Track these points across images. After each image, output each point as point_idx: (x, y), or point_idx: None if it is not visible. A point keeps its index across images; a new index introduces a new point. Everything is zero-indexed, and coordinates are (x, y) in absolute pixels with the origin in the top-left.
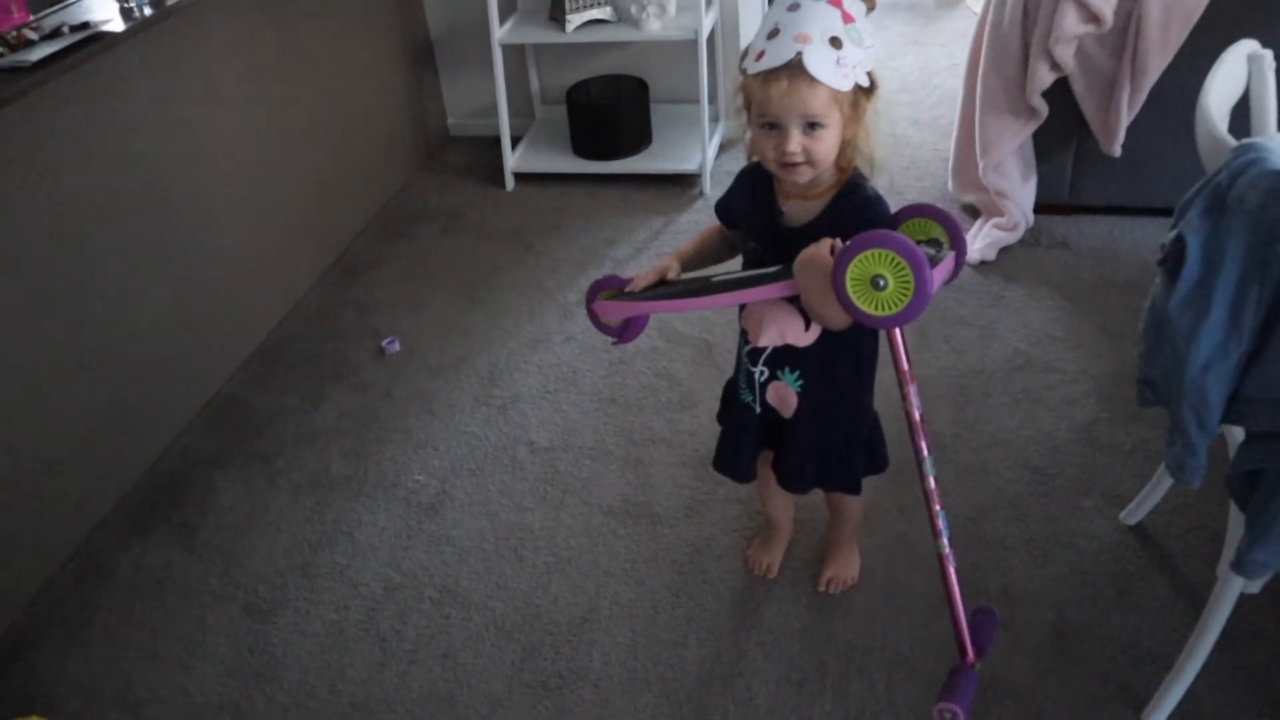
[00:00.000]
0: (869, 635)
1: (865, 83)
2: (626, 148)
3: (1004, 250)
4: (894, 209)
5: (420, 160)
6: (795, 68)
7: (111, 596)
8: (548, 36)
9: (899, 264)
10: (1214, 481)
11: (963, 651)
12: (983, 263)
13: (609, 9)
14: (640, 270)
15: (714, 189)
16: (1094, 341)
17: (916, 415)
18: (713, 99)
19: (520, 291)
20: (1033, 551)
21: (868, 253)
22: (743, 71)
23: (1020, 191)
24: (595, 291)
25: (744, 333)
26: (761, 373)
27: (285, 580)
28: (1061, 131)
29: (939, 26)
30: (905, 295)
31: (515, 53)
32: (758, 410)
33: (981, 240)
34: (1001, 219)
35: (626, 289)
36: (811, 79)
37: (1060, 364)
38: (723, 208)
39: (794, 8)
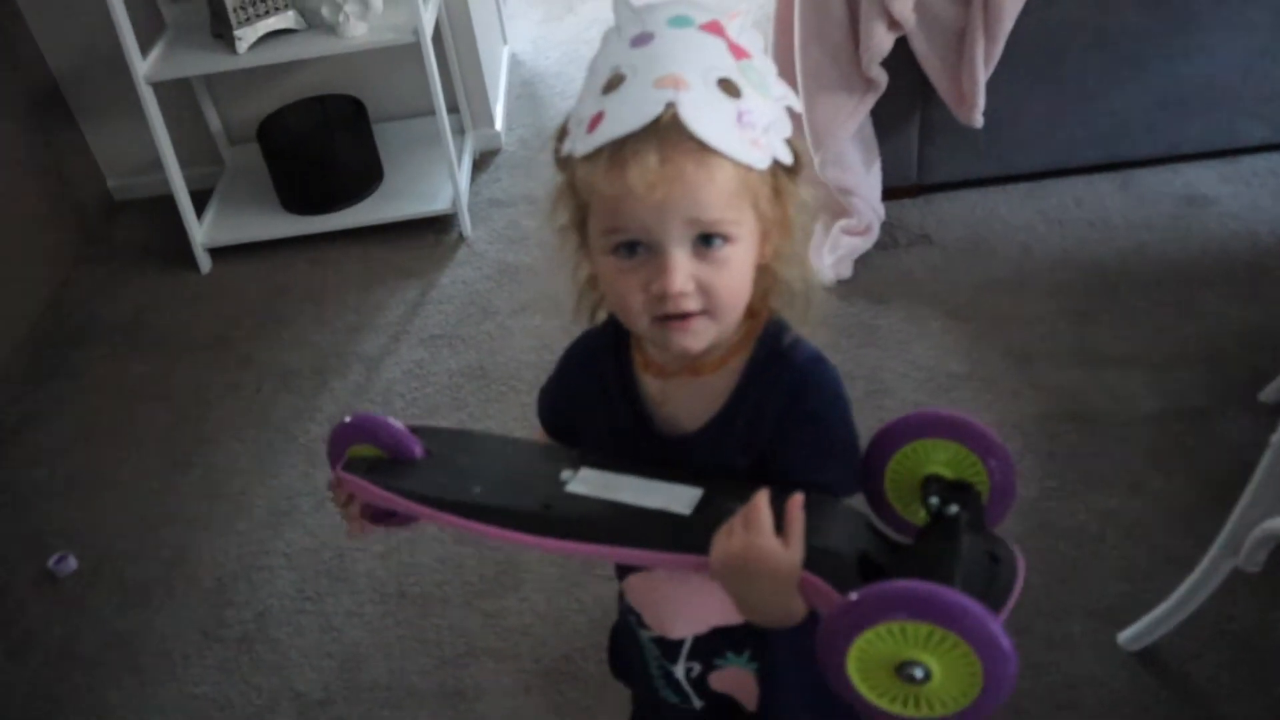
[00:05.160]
0: None
1: (786, 158)
2: (350, 192)
3: (860, 260)
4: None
5: (77, 246)
6: (668, 129)
7: None
8: (214, 63)
9: (952, 646)
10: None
11: None
12: (839, 282)
13: (293, 15)
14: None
15: (476, 228)
16: (1003, 373)
17: None
18: (453, 108)
19: (242, 433)
20: None
21: (887, 626)
22: (562, 160)
23: (866, 183)
24: (343, 443)
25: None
26: (690, 669)
27: None
28: (902, 101)
29: None
30: (965, 693)
31: (178, 87)
32: (697, 705)
33: (831, 253)
34: (850, 221)
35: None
36: (701, 147)
37: (973, 415)
38: (551, 416)
39: (643, 39)
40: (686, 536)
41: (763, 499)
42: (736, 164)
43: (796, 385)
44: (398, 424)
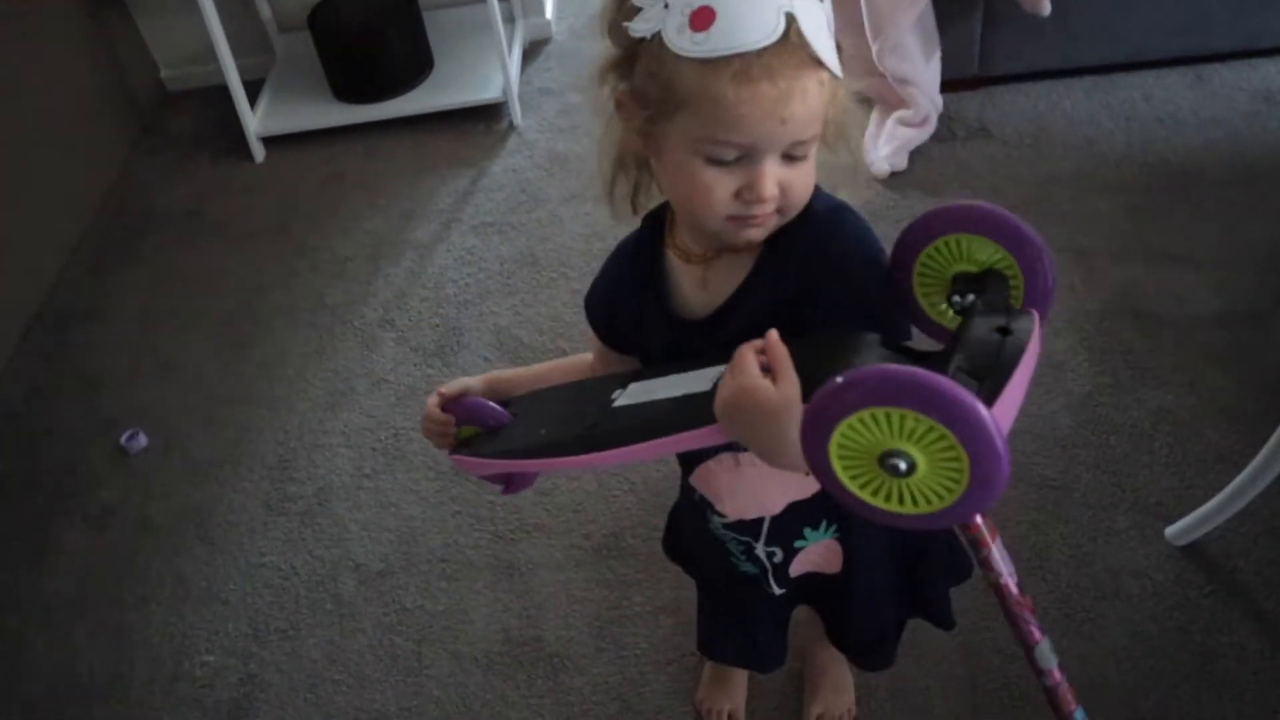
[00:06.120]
0: None
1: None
2: (402, 80)
3: (916, 152)
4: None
5: (132, 137)
6: (793, 48)
7: None
8: None
9: (931, 431)
10: None
11: None
12: (893, 174)
13: None
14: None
15: (527, 117)
16: (1061, 269)
17: (1011, 584)
18: None
19: (299, 317)
20: (1072, 615)
21: (859, 415)
22: (633, 40)
23: (924, 73)
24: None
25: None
26: (772, 554)
27: None
28: None
29: None
30: (954, 483)
31: None
32: (777, 591)
33: (887, 144)
34: (906, 111)
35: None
36: (815, 64)
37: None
38: (603, 315)
39: None
40: (704, 410)
41: (747, 346)
42: (831, 78)
43: (817, 234)
44: (494, 404)
